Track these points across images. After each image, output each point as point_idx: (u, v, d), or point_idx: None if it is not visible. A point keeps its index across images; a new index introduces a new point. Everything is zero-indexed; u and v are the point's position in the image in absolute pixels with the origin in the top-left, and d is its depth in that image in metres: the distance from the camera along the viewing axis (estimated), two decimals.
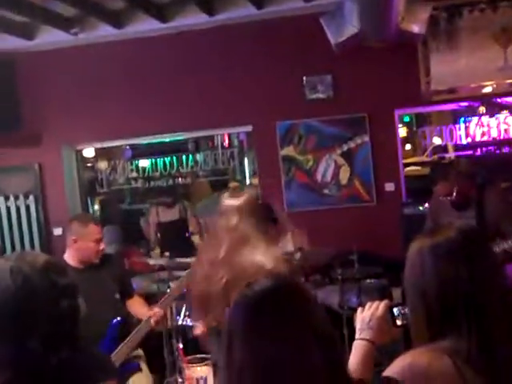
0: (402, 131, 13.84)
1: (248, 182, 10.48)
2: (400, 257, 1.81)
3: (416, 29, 5.68)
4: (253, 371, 1.48)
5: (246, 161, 11.18)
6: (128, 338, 3.84)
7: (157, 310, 3.92)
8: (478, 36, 6.38)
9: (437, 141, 9.20)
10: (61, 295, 2.05)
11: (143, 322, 3.90)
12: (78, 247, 4.03)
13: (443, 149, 9.68)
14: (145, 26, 6.80)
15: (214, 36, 6.85)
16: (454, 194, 4.63)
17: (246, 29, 6.76)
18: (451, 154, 9.13)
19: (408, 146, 14.23)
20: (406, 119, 14.37)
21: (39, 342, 1.97)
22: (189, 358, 2.54)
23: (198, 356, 2.48)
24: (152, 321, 3.90)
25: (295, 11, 6.51)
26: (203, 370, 2.38)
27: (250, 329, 1.51)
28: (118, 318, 3.87)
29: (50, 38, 6.94)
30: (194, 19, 6.70)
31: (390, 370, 1.70)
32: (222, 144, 10.60)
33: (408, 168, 10.04)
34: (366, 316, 2.05)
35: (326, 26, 5.82)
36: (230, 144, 10.97)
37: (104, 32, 6.84)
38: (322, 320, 1.56)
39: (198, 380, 2.41)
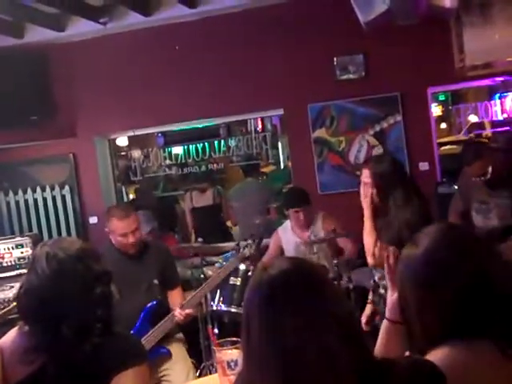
0: (438, 110, 13.66)
1: (282, 165, 10.49)
2: None
3: (447, 3, 5.55)
4: (272, 359, 1.47)
5: (280, 145, 11.18)
6: (156, 326, 3.86)
7: (181, 312, 3.91)
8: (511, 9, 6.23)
9: (473, 118, 9.08)
10: (94, 281, 2.08)
11: (166, 318, 3.92)
12: (112, 238, 4.12)
13: (480, 126, 9.54)
14: (174, 11, 6.77)
15: (244, 20, 6.80)
16: (489, 173, 4.45)
17: (275, 11, 6.69)
18: (488, 131, 8.98)
19: (444, 125, 14.04)
20: (442, 97, 14.16)
21: (73, 326, 2.00)
22: (220, 341, 2.54)
23: (229, 339, 2.48)
24: (176, 318, 3.91)
25: None
26: (234, 353, 2.38)
27: (266, 315, 1.50)
28: (152, 303, 3.90)
29: (80, 28, 6.97)
30: (226, 2, 6.66)
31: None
32: (255, 129, 10.60)
33: (444, 147, 9.91)
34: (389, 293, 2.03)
35: (356, 5, 5.71)
36: (264, 128, 10.97)
37: (133, 20, 6.84)
38: (338, 300, 1.55)
39: (228, 363, 2.40)
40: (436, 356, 1.64)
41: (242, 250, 4.13)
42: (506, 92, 6.85)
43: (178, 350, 4.06)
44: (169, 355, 3.96)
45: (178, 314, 3.91)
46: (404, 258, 1.79)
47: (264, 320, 1.49)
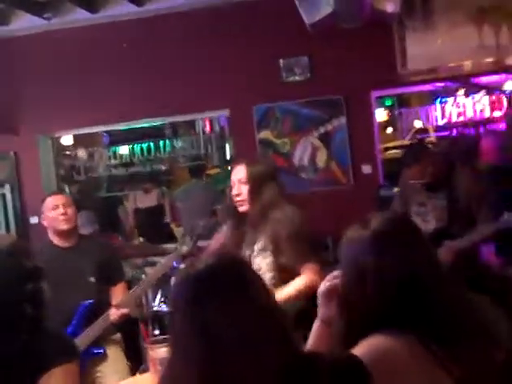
0: (384, 114, 13.82)
1: (229, 167, 10.48)
2: None
3: (390, 8, 5.64)
4: (196, 352, 1.47)
5: (227, 146, 11.16)
6: (91, 326, 3.80)
7: (116, 311, 3.85)
8: (454, 15, 6.36)
9: (418, 124, 9.22)
10: (25, 277, 2.04)
11: (102, 317, 3.86)
12: (46, 222, 4.09)
13: (424, 131, 9.69)
14: (120, 9, 6.74)
15: (191, 18, 6.78)
16: (429, 175, 4.52)
17: (222, 11, 6.69)
18: (432, 136, 9.13)
19: (390, 130, 14.21)
20: (388, 102, 14.32)
21: (1, 322, 1.95)
22: (153, 339, 2.51)
23: (160, 337, 2.46)
24: (111, 318, 3.85)
25: None
26: (166, 351, 2.35)
27: (191, 308, 1.51)
28: (87, 302, 3.83)
29: (24, 23, 6.86)
30: (172, 1, 6.64)
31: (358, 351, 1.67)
32: (203, 130, 10.55)
33: (389, 152, 10.04)
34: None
35: (301, 6, 5.76)
36: (212, 130, 10.93)
37: (79, 16, 6.76)
38: (264, 294, 1.56)
39: (160, 360, 2.38)
40: (367, 341, 1.67)
41: (178, 247, 4.10)
42: (447, 97, 6.98)
43: (113, 351, 3.99)
44: (104, 356, 3.91)
45: (113, 313, 3.85)
46: (350, 238, 1.80)
47: (188, 313, 1.50)
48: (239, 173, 3.56)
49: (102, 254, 4.16)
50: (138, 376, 3.15)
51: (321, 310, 1.96)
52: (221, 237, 5.44)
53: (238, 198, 3.55)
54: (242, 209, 3.55)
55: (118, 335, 4.17)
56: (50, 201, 4.07)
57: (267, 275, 3.39)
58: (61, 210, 4.00)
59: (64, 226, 4.02)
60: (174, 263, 4.42)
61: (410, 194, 4.75)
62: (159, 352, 2.41)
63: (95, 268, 4.03)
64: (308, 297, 3.36)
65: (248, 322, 1.48)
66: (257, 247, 3.50)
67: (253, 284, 1.56)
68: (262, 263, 3.45)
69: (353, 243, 1.78)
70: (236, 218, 3.64)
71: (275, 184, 3.58)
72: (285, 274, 3.45)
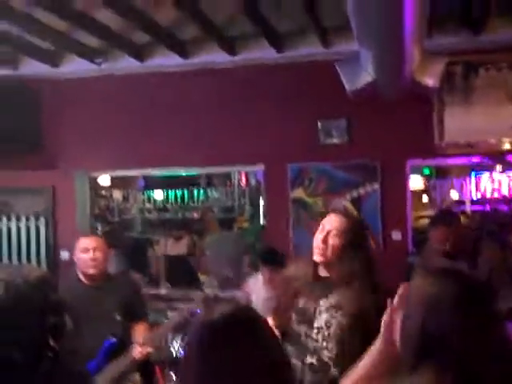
0: (421, 183, 13.80)
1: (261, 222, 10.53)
2: None
3: (430, 82, 5.72)
4: None
5: (261, 200, 11.23)
6: (114, 363, 3.84)
7: (139, 349, 3.89)
8: (493, 93, 6.43)
9: (454, 195, 9.20)
10: (49, 310, 2.11)
11: (125, 355, 3.89)
12: (76, 262, 4.19)
13: (460, 203, 9.66)
14: (166, 60, 6.95)
15: (233, 75, 6.98)
16: (450, 243, 4.53)
17: (264, 70, 6.88)
18: (467, 208, 9.10)
19: (425, 198, 14.17)
20: (426, 171, 14.34)
21: (24, 353, 2.02)
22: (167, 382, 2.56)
23: (176, 381, 2.50)
24: (134, 355, 3.88)
25: (313, 56, 6.63)
26: None
27: (203, 357, 1.56)
28: (112, 340, 3.88)
29: (74, 66, 7.12)
30: (215, 57, 6.83)
31: None
32: (238, 182, 10.67)
33: (422, 220, 10.01)
34: None
35: (342, 73, 5.88)
36: (248, 183, 11.04)
37: (126, 64, 7.00)
38: (274, 347, 1.61)
39: None
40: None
41: (205, 289, 4.14)
42: (483, 172, 7.00)
43: None
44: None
45: (137, 350, 3.89)
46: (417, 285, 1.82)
47: (199, 359, 1.55)
48: (333, 222, 3.24)
49: (128, 291, 4.23)
50: None
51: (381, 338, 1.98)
52: (248, 289, 5.51)
53: (320, 246, 3.21)
54: (319, 259, 3.22)
55: (137, 377, 4.19)
56: (82, 242, 4.17)
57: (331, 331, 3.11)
58: (91, 254, 4.09)
59: (91, 271, 4.12)
60: (197, 310, 4.48)
61: (432, 261, 4.76)
62: None
63: (120, 305, 4.09)
64: None
65: (256, 374, 1.53)
66: (326, 303, 3.17)
67: (264, 338, 1.61)
68: (332, 320, 3.12)
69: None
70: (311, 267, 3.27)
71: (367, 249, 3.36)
72: None
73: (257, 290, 5.42)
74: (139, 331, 4.16)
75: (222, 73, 7.00)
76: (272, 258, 5.33)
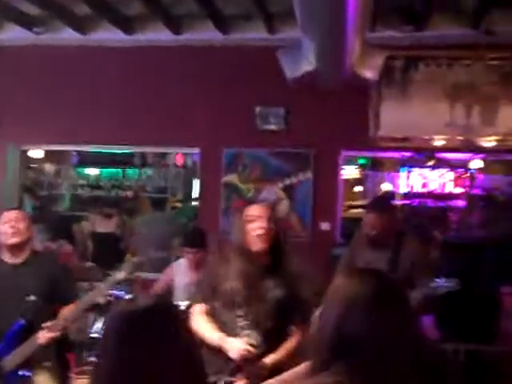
0: (356, 172, 13.95)
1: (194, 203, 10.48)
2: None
3: (369, 75, 5.78)
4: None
5: (195, 182, 11.17)
6: (21, 346, 3.73)
7: (44, 334, 3.77)
8: (430, 89, 6.53)
9: (386, 187, 9.34)
10: None
11: (31, 339, 3.78)
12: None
13: (392, 195, 9.81)
14: (109, 35, 6.83)
15: (176, 55, 6.89)
16: (379, 229, 4.58)
17: (207, 52, 6.82)
18: (397, 202, 9.26)
19: (359, 188, 14.34)
20: (362, 161, 14.48)
21: None
22: (79, 369, 2.51)
23: (88, 368, 2.45)
24: (39, 341, 3.77)
25: (257, 41, 6.60)
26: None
27: (120, 346, 1.55)
28: (21, 322, 3.76)
29: (12, 34, 6.92)
30: (159, 35, 6.74)
31: None
32: (174, 163, 10.58)
33: (352, 210, 10.14)
34: None
35: (283, 60, 5.88)
36: (184, 164, 10.96)
37: (67, 35, 6.83)
38: (190, 345, 1.62)
39: None
40: None
41: (116, 273, 4.00)
42: (414, 167, 7.13)
43: (43, 379, 3.84)
44: (30, 380, 3.78)
45: (42, 335, 3.76)
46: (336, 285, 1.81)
47: (115, 349, 1.54)
48: (263, 211, 3.38)
49: (53, 271, 4.04)
50: None
51: None
52: (171, 273, 5.48)
53: (262, 232, 3.30)
54: (262, 245, 3.32)
55: (49, 363, 4.00)
56: (5, 215, 4.00)
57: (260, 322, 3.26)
58: (12, 223, 3.96)
59: (12, 240, 3.94)
60: (114, 291, 4.34)
61: (358, 252, 4.84)
62: (84, 383, 2.41)
63: (42, 286, 3.91)
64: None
65: (170, 368, 1.52)
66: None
67: (180, 333, 1.61)
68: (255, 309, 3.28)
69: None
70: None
71: None
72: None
73: (179, 275, 5.38)
74: (62, 313, 4.00)
75: (165, 51, 6.90)
76: (189, 240, 5.28)
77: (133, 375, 1.51)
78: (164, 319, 1.60)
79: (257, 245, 3.30)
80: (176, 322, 1.63)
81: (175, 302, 4.76)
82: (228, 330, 3.29)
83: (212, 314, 3.39)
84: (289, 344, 3.33)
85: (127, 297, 4.58)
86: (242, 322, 3.26)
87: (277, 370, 3.05)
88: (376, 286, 1.74)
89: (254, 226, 3.31)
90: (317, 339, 1.78)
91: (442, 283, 4.33)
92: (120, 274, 3.93)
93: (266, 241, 3.30)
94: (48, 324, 3.73)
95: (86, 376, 2.43)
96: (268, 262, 3.34)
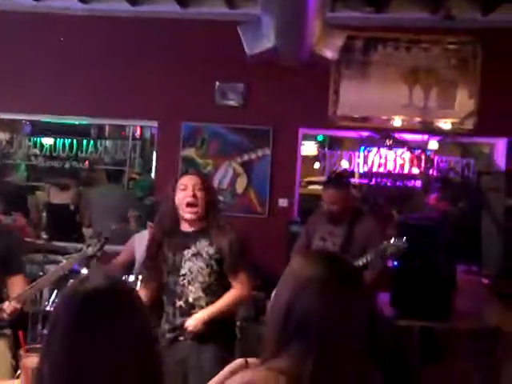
0: (314, 149, 14.01)
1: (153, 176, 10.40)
2: (281, 273, 1.82)
3: (329, 54, 5.78)
4: (64, 370, 1.49)
5: (154, 154, 11.07)
6: None
7: (9, 305, 3.74)
8: (389, 71, 6.59)
9: (344, 165, 9.39)
10: None
11: None
12: None
13: (350, 174, 9.87)
14: (64, 3, 6.73)
15: (134, 27, 6.81)
16: (337, 204, 4.70)
17: (166, 25, 6.75)
18: (356, 180, 9.33)
19: (317, 165, 14.41)
20: (320, 138, 14.55)
21: None
22: (29, 346, 2.49)
23: (38, 346, 2.42)
24: (3, 312, 3.74)
25: (217, 16, 6.55)
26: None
27: (70, 328, 1.52)
28: None
29: None
30: (116, 6, 6.66)
31: None
32: (133, 135, 10.47)
33: (311, 186, 10.19)
34: None
35: (243, 36, 5.84)
36: (142, 136, 10.85)
37: (22, 1, 6.68)
38: (143, 327, 1.59)
39: (32, 370, 2.36)
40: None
41: (85, 248, 4.02)
42: (371, 147, 7.18)
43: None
44: None
45: (6, 307, 3.74)
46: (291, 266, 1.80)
47: (66, 332, 1.51)
48: (193, 180, 3.67)
49: (4, 240, 4.01)
50: (11, 381, 3.09)
51: None
52: (132, 245, 5.44)
53: (192, 202, 3.62)
54: (192, 212, 3.62)
55: (9, 330, 4.03)
56: None
57: (199, 279, 3.61)
58: None
59: None
60: (76, 265, 4.36)
61: (315, 228, 4.94)
62: (34, 361, 2.39)
63: None
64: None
65: (120, 351, 1.50)
66: (191, 251, 3.64)
67: (135, 314, 1.58)
68: (194, 267, 3.62)
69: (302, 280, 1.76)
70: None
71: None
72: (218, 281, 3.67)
73: (141, 247, 5.34)
74: (15, 285, 3.98)
75: (123, 23, 6.80)
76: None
77: (80, 361, 1.48)
78: (117, 302, 1.57)
79: (187, 212, 3.62)
80: (130, 305, 1.60)
81: (135, 275, 4.79)
82: (172, 292, 3.68)
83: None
84: (225, 297, 3.65)
85: (82, 271, 4.58)
86: (184, 281, 3.62)
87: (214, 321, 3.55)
88: (329, 268, 1.74)
89: (183, 194, 3.63)
90: (269, 319, 1.78)
91: (390, 243, 4.50)
92: (90, 249, 3.94)
93: (194, 208, 3.61)
94: (15, 296, 3.70)
95: (35, 354, 2.40)
96: (202, 226, 3.66)
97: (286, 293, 1.72)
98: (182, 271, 3.63)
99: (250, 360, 2.07)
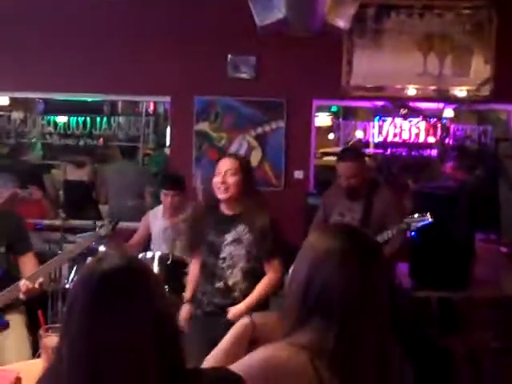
0: (328, 120, 13.94)
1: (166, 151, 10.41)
2: (299, 246, 1.80)
3: (341, 23, 5.68)
4: (82, 352, 1.48)
5: (168, 130, 11.07)
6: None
7: (27, 284, 3.77)
8: (402, 39, 6.51)
9: (359, 135, 9.36)
10: None
11: (11, 287, 3.78)
12: None
13: (364, 144, 9.83)
14: None
15: (143, 1, 6.75)
16: (354, 177, 4.62)
17: None
18: (370, 151, 9.29)
19: (332, 136, 14.35)
20: (334, 109, 14.45)
21: None
22: (48, 326, 2.50)
23: (58, 325, 2.44)
24: (20, 294, 3.76)
25: None
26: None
27: (88, 307, 1.51)
28: None
29: None
30: None
31: (249, 362, 1.68)
32: (146, 110, 10.47)
33: (326, 158, 10.16)
34: None
35: (254, 8, 5.76)
36: (155, 111, 10.84)
37: None
38: (161, 306, 1.57)
39: (53, 350, 2.37)
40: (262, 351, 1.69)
41: (97, 229, 4.05)
42: (386, 116, 7.13)
43: (15, 323, 3.90)
44: (6, 327, 3.82)
45: (24, 285, 3.77)
46: (308, 239, 1.79)
47: (86, 311, 1.50)
48: (227, 164, 3.76)
49: (12, 222, 4.03)
50: (33, 361, 3.12)
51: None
52: (147, 222, 5.45)
53: (222, 186, 3.72)
54: (224, 196, 3.74)
55: (22, 307, 4.07)
56: None
57: (240, 264, 3.73)
58: None
59: None
60: (93, 243, 4.39)
61: (333, 203, 4.88)
62: (54, 340, 2.40)
63: (6, 238, 3.94)
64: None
65: (138, 330, 1.50)
66: (231, 236, 3.75)
67: (153, 293, 1.57)
68: (234, 252, 3.74)
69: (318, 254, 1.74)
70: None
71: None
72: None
73: (156, 221, 5.36)
74: (27, 263, 4.01)
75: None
76: (167, 182, 5.24)
77: (100, 337, 1.47)
78: (134, 280, 1.55)
79: (219, 195, 3.75)
80: (147, 283, 1.58)
81: (152, 252, 4.81)
82: (211, 272, 3.80)
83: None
84: (260, 285, 3.78)
85: (100, 249, 4.61)
86: (223, 264, 3.74)
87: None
88: (348, 240, 1.72)
89: (215, 179, 3.75)
90: (288, 293, 1.77)
91: (414, 218, 4.44)
92: (103, 230, 3.97)
93: (225, 192, 3.71)
94: (30, 275, 3.74)
95: (55, 333, 2.41)
96: (240, 210, 3.77)
97: (305, 267, 1.71)
98: (222, 254, 3.75)
99: (256, 319, 2.05)
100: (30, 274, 3.76)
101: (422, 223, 4.45)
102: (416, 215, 4.47)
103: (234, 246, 3.73)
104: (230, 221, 3.77)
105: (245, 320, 2.06)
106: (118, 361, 1.48)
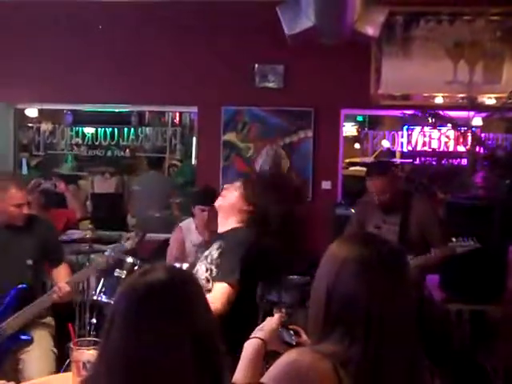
0: (354, 130, 13.89)
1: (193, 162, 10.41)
2: None
3: (370, 31, 5.64)
4: (123, 365, 1.46)
5: (194, 141, 11.07)
6: (24, 309, 3.72)
7: (62, 286, 3.78)
8: (432, 47, 6.44)
9: (386, 144, 9.27)
10: None
11: (46, 295, 3.78)
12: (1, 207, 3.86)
13: (391, 153, 9.75)
14: None
15: (169, 11, 6.73)
16: (386, 195, 4.54)
17: (204, 8, 6.66)
18: (397, 160, 9.20)
19: (357, 146, 14.28)
20: (360, 118, 14.40)
21: None
22: (78, 339, 2.47)
23: (88, 338, 2.42)
24: (55, 296, 3.77)
25: None
26: (91, 354, 2.31)
27: (131, 321, 1.49)
28: (20, 286, 3.75)
29: None
30: None
31: (274, 368, 1.65)
32: (172, 121, 10.48)
33: (352, 168, 10.10)
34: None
35: (283, 16, 5.74)
36: (181, 122, 10.85)
37: None
38: (205, 320, 1.55)
39: (84, 363, 2.34)
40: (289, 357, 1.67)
41: (124, 241, 4.03)
42: (415, 125, 7.05)
43: (40, 336, 3.86)
44: (30, 342, 3.81)
45: (60, 287, 3.76)
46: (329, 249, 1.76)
47: (127, 325, 1.48)
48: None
49: (46, 234, 4.04)
50: (59, 375, 3.10)
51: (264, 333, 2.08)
52: (181, 234, 5.37)
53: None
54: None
55: (50, 319, 4.06)
56: (17, 196, 3.84)
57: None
58: (25, 209, 3.85)
59: (20, 222, 3.89)
60: (120, 255, 4.37)
61: (367, 216, 4.79)
62: (84, 354, 2.37)
63: (37, 250, 3.92)
64: None
65: (180, 347, 1.47)
66: None
67: (197, 307, 1.55)
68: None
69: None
70: None
71: None
72: None
73: (189, 235, 5.29)
74: (62, 273, 4.02)
75: (159, 7, 6.72)
76: (204, 197, 5.15)
77: (139, 355, 1.44)
78: (180, 291, 1.53)
79: None
80: (191, 296, 1.56)
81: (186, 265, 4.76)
82: None
83: None
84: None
85: (128, 261, 4.57)
86: None
87: None
88: (366, 248, 1.68)
89: None
90: (312, 304, 1.73)
91: (460, 243, 4.33)
92: (128, 243, 3.96)
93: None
94: (60, 284, 3.74)
95: (85, 347, 2.39)
96: None
97: (325, 276, 1.68)
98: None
99: (262, 335, 2.08)
100: (69, 279, 3.79)
101: (467, 249, 4.34)
102: (461, 239, 4.35)
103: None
104: None
105: (254, 341, 2.06)
106: (156, 377, 1.45)
